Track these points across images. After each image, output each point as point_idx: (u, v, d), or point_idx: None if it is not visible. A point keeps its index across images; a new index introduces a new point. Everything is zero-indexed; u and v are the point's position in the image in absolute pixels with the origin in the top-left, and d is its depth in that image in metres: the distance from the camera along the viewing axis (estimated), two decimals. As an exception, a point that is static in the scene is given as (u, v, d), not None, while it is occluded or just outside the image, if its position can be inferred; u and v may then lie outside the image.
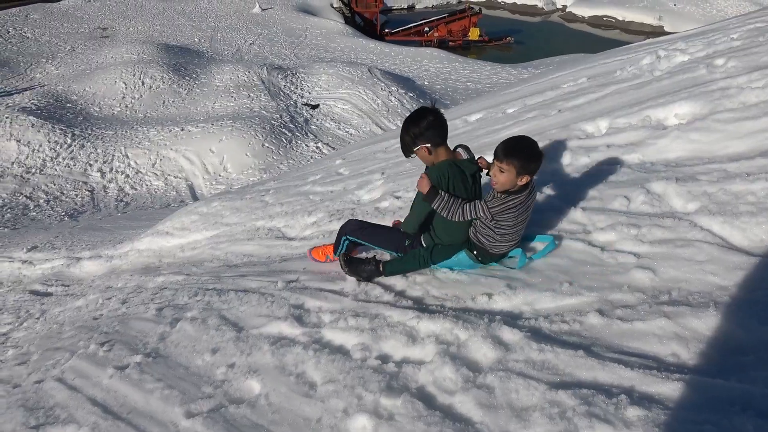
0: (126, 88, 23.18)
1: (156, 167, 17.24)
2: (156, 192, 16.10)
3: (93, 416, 2.58)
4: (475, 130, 6.16)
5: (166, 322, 3.40)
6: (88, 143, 18.66)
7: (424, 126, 2.74)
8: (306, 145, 17.56)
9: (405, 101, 20.91)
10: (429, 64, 28.22)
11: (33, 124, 19.30)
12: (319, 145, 17.56)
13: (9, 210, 14.76)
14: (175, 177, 16.73)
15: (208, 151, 17.13)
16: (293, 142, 17.74)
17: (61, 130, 19.36)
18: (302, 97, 22.20)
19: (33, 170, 17.53)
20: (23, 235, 11.51)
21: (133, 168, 17.35)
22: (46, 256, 9.17)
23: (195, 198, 15.11)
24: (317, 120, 20.00)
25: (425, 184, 2.73)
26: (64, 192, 16.28)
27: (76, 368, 3.14)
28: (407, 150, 2.82)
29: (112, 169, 17.39)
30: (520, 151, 2.55)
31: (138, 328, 3.50)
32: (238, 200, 6.63)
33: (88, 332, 3.89)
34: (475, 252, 2.90)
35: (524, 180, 2.62)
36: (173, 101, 22.42)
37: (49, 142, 18.65)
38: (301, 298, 3.16)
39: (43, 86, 23.45)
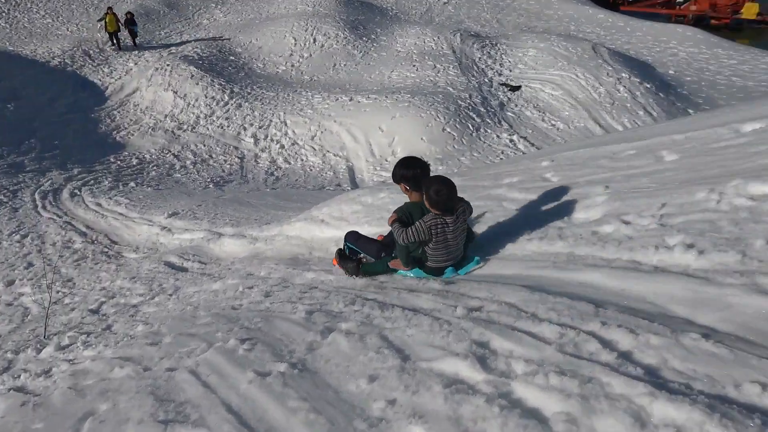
0: (295, 44, 25.17)
1: (315, 140, 18.49)
2: (311, 169, 17.27)
3: (226, 425, 2.78)
4: (750, 144, 5.56)
5: (316, 329, 3.57)
6: (246, 103, 20.65)
7: (410, 174, 4.57)
8: (497, 137, 17.50)
9: (638, 94, 19.80)
10: (678, 47, 26.45)
11: (192, 75, 21.86)
12: (514, 138, 17.38)
13: (155, 168, 16.88)
14: (334, 155, 17.79)
15: (377, 128, 17.91)
16: (481, 130, 17.79)
17: (220, 85, 21.68)
18: (500, 74, 22.19)
19: (185, 126, 19.86)
20: (166, 198, 13.10)
21: (290, 138, 18.81)
22: (186, 226, 10.35)
23: (354, 183, 15.89)
24: (515, 106, 19.83)
25: (391, 217, 4.60)
26: (213, 155, 18.20)
27: (213, 363, 3.43)
28: (394, 179, 4.70)
29: (267, 137, 19.05)
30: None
31: (283, 329, 3.72)
32: (411, 194, 6.81)
33: (226, 323, 4.24)
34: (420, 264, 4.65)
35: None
36: (345, 65, 23.84)
37: (206, 97, 21.01)
38: (487, 334, 3.09)
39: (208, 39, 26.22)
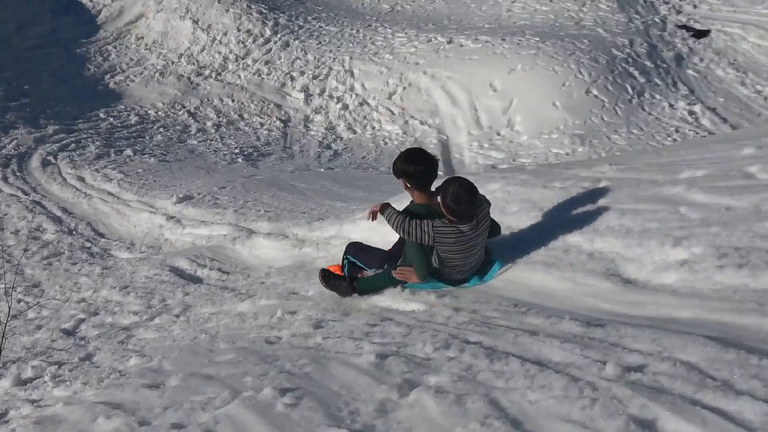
0: (372, -45, 25.34)
1: (394, 100, 18.58)
2: (386, 142, 17.37)
3: None
4: None
5: (391, 383, 3.57)
6: (296, 42, 20.95)
7: (411, 170, 5.40)
8: (670, 106, 17.13)
9: None
10: None
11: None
12: (697, 109, 16.97)
13: (162, 129, 17.35)
14: (422, 123, 17.84)
15: (487, 86, 17.85)
16: (646, 95, 17.47)
17: (260, 13, 22.06)
18: (679, 11, 21.70)
19: (207, 72, 20.32)
20: (175, 174, 13.44)
21: (357, 95, 18.97)
22: (203, 216, 10.58)
23: (448, 166, 15.87)
24: (700, 60, 19.36)
25: (378, 206, 5.64)
26: (245, 116, 18.55)
27: (239, 421, 3.48)
28: (394, 172, 5.60)
29: (323, 91, 19.28)
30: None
31: (343, 379, 3.74)
32: (538, 187, 6.72)
33: (258, 363, 4.29)
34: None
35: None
36: (444, -12, 23.85)
37: (239, 30, 21.42)
38: (652, 409, 3.02)
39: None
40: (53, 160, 14.30)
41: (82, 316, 7.23)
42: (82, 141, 15.76)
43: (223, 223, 10.07)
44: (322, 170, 15.14)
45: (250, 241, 9.04)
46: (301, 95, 19.16)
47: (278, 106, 18.91)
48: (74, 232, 10.70)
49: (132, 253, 9.88)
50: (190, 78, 20.06)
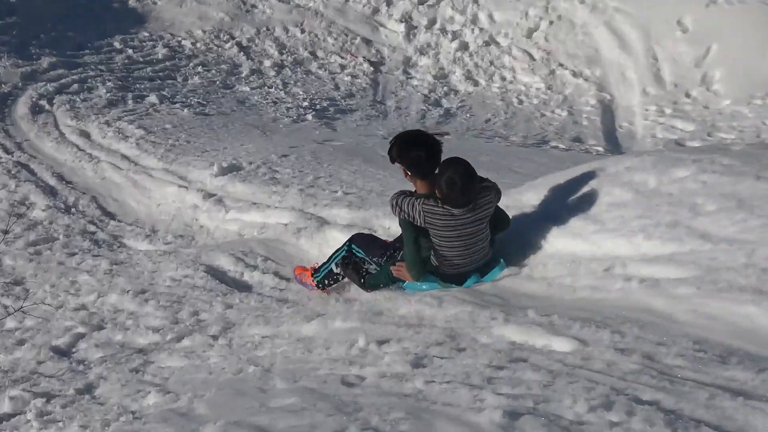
0: None
1: (536, 39, 18.56)
2: (521, 99, 17.36)
3: None
4: None
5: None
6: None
7: (412, 156, 6.63)
8: None
9: None
10: None
11: None
12: None
13: (201, 68, 17.60)
14: (574, 74, 17.79)
15: (674, 24, 17.68)
16: None
17: None
18: None
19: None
20: (217, 132, 13.61)
21: (482, 30, 18.97)
22: (255, 195, 10.65)
23: (611, 138, 15.74)
24: None
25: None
26: (319, 53, 18.68)
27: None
28: (390, 157, 6.97)
29: (433, 23, 19.33)
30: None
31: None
32: (749, 178, 6.61)
33: (332, 413, 4.29)
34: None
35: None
36: None
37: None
38: None
39: None
40: (47, 106, 14.63)
41: (80, 329, 7.29)
42: (89, 81, 16.11)
43: (284, 208, 10.08)
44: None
45: (321, 235, 9.06)
46: (401, 27, 19.18)
47: (367, 42, 18.98)
48: (73, 210, 10.90)
49: (153, 244, 9.97)
50: (244, -5, 20.26)
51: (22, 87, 15.31)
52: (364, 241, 7.41)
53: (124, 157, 12.38)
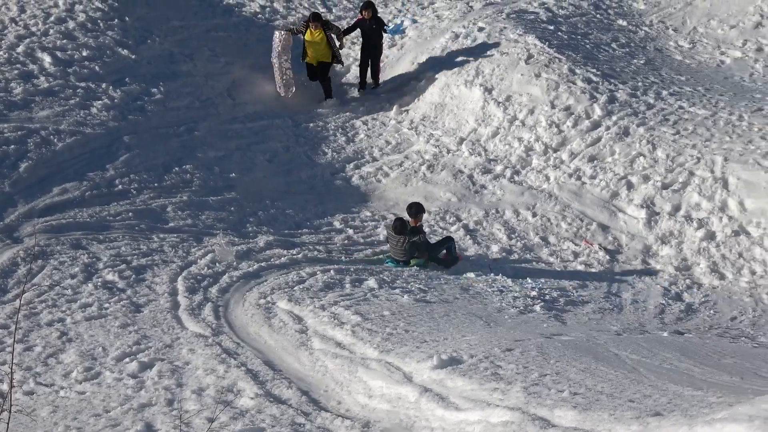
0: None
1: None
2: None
3: None
4: None
5: None
6: (641, 129, 21.11)
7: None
8: None
9: None
10: None
11: (530, 55, 22.74)
12: None
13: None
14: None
15: None
16: None
17: (587, 82, 22.65)
18: None
19: (499, 166, 20.94)
20: (438, 321, 13.77)
21: (732, 219, 18.83)
22: (474, 391, 10.63)
23: None
24: None
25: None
26: (551, 238, 18.84)
27: None
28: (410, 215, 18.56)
29: (678, 209, 19.33)
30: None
31: None
32: None
33: None
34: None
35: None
36: None
37: (553, 106, 22.03)
38: None
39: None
40: (270, 296, 14.93)
41: None
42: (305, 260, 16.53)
43: (505, 407, 10.01)
44: (665, 334, 14.94)
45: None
46: (642, 213, 19.12)
47: (603, 228, 18.98)
48: (282, 399, 11.04)
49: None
50: (473, 176, 20.55)
51: (236, 267, 15.74)
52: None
53: (338, 344, 12.51)
